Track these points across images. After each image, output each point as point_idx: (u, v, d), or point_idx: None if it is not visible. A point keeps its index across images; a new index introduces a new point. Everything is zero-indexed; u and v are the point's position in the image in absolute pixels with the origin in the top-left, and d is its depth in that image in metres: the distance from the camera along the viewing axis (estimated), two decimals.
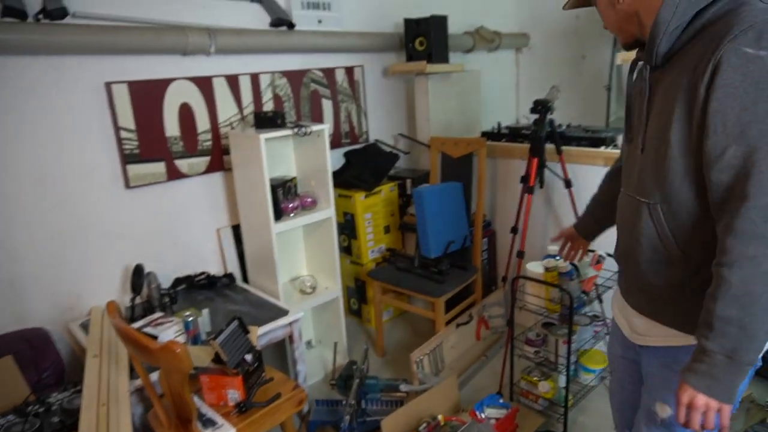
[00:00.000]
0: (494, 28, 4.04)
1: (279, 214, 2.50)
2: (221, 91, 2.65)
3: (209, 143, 2.64)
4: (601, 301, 2.54)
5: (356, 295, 3.29)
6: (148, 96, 2.39)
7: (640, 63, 1.21)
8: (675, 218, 1.14)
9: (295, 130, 2.40)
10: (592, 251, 2.28)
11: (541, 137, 2.37)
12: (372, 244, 3.14)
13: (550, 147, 2.53)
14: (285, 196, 2.58)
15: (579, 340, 2.33)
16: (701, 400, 1.02)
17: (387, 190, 3.14)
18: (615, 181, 1.49)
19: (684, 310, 1.18)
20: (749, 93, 0.95)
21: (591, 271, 2.20)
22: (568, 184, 2.54)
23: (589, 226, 1.73)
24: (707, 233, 1.09)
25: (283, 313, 2.31)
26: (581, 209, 2.64)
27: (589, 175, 2.65)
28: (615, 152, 2.58)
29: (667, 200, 1.14)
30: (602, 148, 2.65)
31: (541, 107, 2.38)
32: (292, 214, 2.57)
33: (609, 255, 2.29)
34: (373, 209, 3.08)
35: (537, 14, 4.24)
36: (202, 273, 2.64)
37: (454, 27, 3.67)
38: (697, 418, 1.04)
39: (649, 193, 1.17)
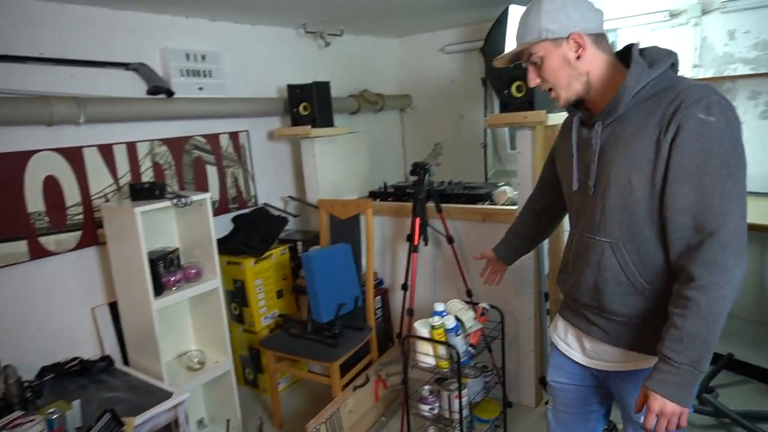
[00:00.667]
0: (377, 90, 4.25)
1: (160, 288, 2.37)
2: (93, 161, 2.51)
3: (80, 217, 2.48)
4: (490, 351, 2.65)
5: (251, 364, 3.16)
6: (3, 170, 2.21)
7: (577, 118, 1.39)
8: (638, 253, 1.30)
9: (175, 201, 2.32)
10: (476, 304, 2.39)
11: (421, 198, 2.49)
12: (265, 311, 3.05)
13: (432, 206, 2.66)
14: (166, 268, 2.46)
15: (471, 393, 2.39)
16: (670, 407, 1.17)
17: (278, 254, 3.10)
18: (539, 219, 1.80)
19: (646, 336, 1.33)
20: (705, 149, 1.16)
21: (476, 324, 2.29)
22: (450, 240, 2.67)
23: (509, 253, 1.93)
24: (667, 264, 1.27)
25: (167, 395, 2.16)
26: (465, 263, 2.80)
27: (469, 230, 2.80)
28: (491, 208, 2.75)
29: (630, 239, 1.30)
30: (479, 204, 2.82)
31: (420, 169, 2.51)
32: (174, 288, 2.45)
33: (492, 307, 2.42)
34: (264, 275, 3.02)
35: (416, 77, 4.53)
36: (75, 358, 2.41)
37: (338, 90, 3.81)
38: (665, 424, 1.19)
39: (611, 233, 1.32)
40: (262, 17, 3.16)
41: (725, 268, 1.15)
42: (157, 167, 2.79)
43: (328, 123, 3.27)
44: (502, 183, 3.04)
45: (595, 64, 1.29)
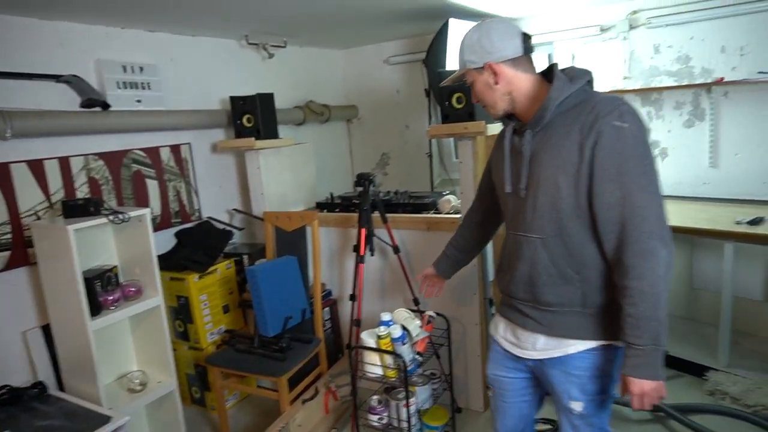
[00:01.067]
0: (324, 101, 4.26)
1: (97, 308, 2.28)
2: (22, 178, 2.40)
3: (8, 236, 2.36)
4: (438, 358, 2.68)
5: (198, 382, 3.08)
6: None
7: (510, 128, 1.55)
8: (566, 246, 1.44)
9: (111, 217, 2.25)
10: (422, 312, 2.42)
11: (366, 209, 2.51)
12: (211, 327, 2.99)
13: (378, 216, 2.68)
14: (104, 287, 2.37)
15: (420, 400, 2.42)
16: (648, 385, 1.32)
17: (223, 269, 3.04)
18: (478, 230, 1.93)
19: (577, 322, 1.46)
20: (621, 153, 1.31)
21: (423, 333, 2.32)
22: (396, 250, 2.70)
23: (447, 268, 2.05)
24: (592, 255, 1.42)
25: (105, 420, 2.07)
26: (411, 272, 2.83)
27: (415, 239, 2.84)
28: (436, 216, 2.80)
29: (558, 234, 1.44)
30: (425, 214, 2.87)
31: (364, 180, 2.53)
32: (113, 307, 2.36)
33: (439, 314, 2.46)
34: (209, 290, 2.95)
35: (362, 88, 4.56)
36: (4, 386, 2.27)
37: (283, 102, 3.80)
38: (649, 400, 1.34)
39: (541, 230, 1.46)
40: (201, 28, 3.12)
41: (655, 252, 1.30)
42: (93, 182, 2.69)
43: (273, 135, 3.25)
44: (447, 192, 3.10)
45: (516, 84, 1.46)
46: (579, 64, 3.62)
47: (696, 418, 2.54)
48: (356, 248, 2.57)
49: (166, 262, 2.90)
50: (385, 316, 2.25)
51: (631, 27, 3.42)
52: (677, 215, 3.03)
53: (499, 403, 1.77)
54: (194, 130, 3.25)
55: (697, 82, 3.24)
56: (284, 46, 3.75)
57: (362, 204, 2.51)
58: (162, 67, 3.04)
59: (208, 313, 2.97)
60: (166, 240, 3.05)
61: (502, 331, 1.69)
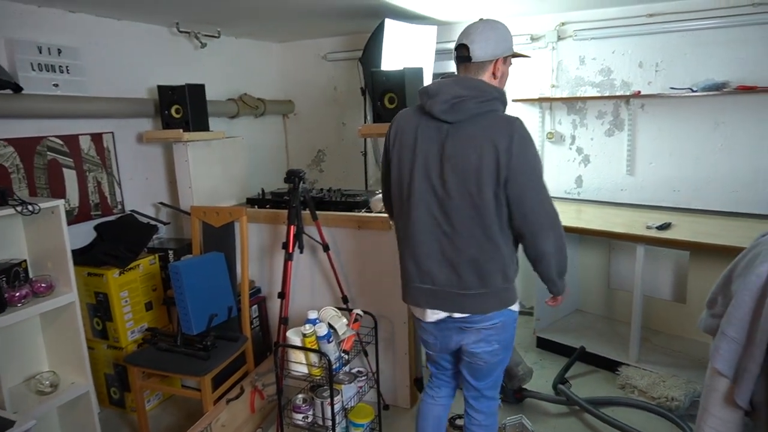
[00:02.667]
0: (259, 94, 4.17)
1: (2, 305, 2.13)
2: None
3: None
4: (366, 355, 2.70)
5: (117, 382, 2.94)
6: None
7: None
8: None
9: (19, 208, 2.11)
10: (351, 310, 2.42)
11: (295, 206, 2.48)
12: (131, 324, 2.86)
13: (308, 213, 2.66)
14: (10, 283, 2.22)
15: (345, 398, 2.42)
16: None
17: (146, 264, 2.92)
18: None
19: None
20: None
21: (349, 331, 2.32)
22: (326, 248, 2.69)
23: None
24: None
25: (8, 425, 1.94)
26: (341, 270, 2.83)
27: (346, 237, 2.84)
28: (367, 215, 2.81)
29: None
30: (356, 212, 2.87)
31: (294, 177, 2.50)
32: (20, 304, 2.21)
33: (366, 312, 2.47)
34: (130, 286, 2.83)
35: (299, 83, 4.51)
36: None
37: (216, 93, 3.69)
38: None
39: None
40: (128, 12, 2.98)
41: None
42: (1, 170, 2.52)
43: (203, 127, 3.16)
44: (380, 191, 3.11)
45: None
46: (511, 71, 3.75)
47: (608, 411, 2.69)
48: (285, 245, 2.54)
49: (84, 256, 2.76)
50: (312, 315, 2.24)
51: (560, 38, 3.57)
52: (598, 219, 3.20)
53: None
54: (118, 119, 3.10)
55: (618, 93, 3.43)
56: (218, 36, 3.64)
57: (292, 201, 2.48)
58: (84, 50, 2.88)
59: (129, 310, 2.84)
60: (85, 233, 2.89)
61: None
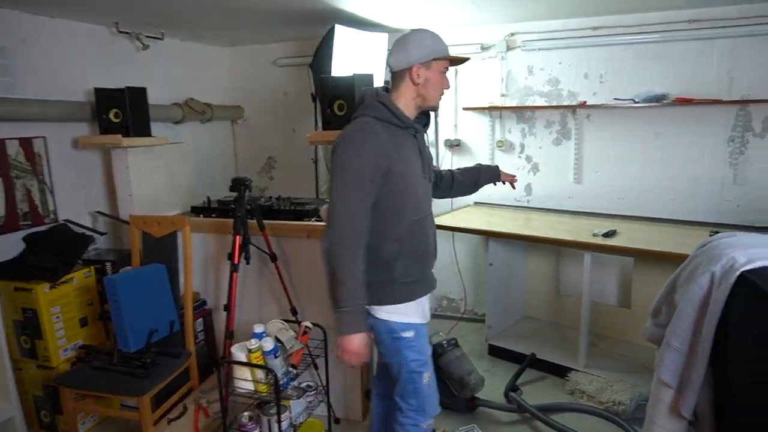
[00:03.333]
0: (206, 99, 4.04)
1: None
2: None
3: None
4: (316, 368, 2.62)
5: (48, 404, 2.74)
6: None
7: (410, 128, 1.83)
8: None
9: None
10: (299, 322, 2.35)
11: (241, 215, 2.39)
12: (64, 342, 2.68)
13: (255, 222, 2.57)
14: None
15: (294, 414, 2.33)
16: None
17: (81, 277, 2.74)
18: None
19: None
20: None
21: (297, 344, 2.25)
22: (273, 258, 2.60)
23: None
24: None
25: None
26: (290, 281, 2.75)
27: (295, 246, 2.76)
28: (316, 224, 2.74)
29: None
30: (305, 221, 2.80)
31: (240, 185, 2.41)
32: None
33: (315, 324, 2.40)
34: (62, 301, 2.65)
35: (249, 88, 4.40)
36: None
37: (160, 98, 3.55)
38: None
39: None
40: (61, 10, 2.81)
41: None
42: None
43: (145, 132, 3.02)
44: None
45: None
46: (462, 79, 3.78)
47: (558, 417, 2.71)
48: (231, 256, 2.44)
49: (11, 270, 2.57)
50: (258, 328, 2.15)
51: (509, 48, 3.62)
52: (546, 227, 3.24)
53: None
54: (51, 123, 2.91)
55: (565, 103, 3.51)
56: (161, 39, 3.50)
57: (237, 210, 2.39)
58: (12, 49, 2.70)
59: (62, 327, 2.66)
60: (12, 245, 2.69)
61: (422, 308, 1.90)
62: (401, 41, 1.77)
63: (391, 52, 1.78)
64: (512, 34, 3.59)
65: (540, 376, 3.22)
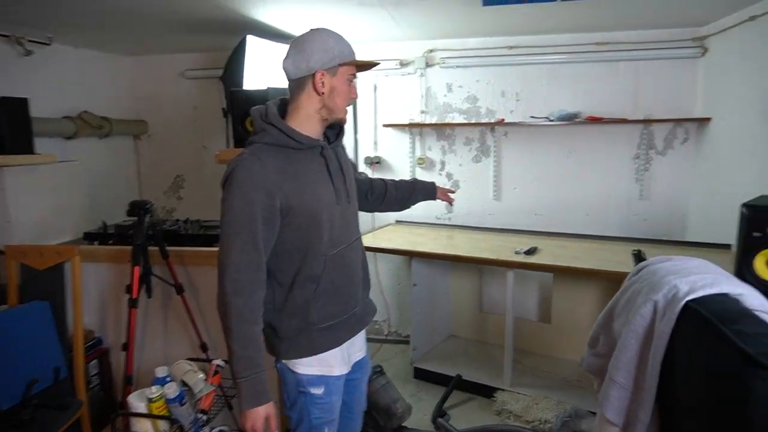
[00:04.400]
0: (103, 113, 3.68)
1: None
2: None
3: None
4: (231, 408, 2.39)
5: None
6: None
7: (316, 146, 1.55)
8: None
9: None
10: (210, 360, 2.11)
11: (140, 243, 2.13)
12: None
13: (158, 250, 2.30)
14: None
15: None
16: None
17: None
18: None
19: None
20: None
21: (207, 387, 2.01)
22: (179, 289, 2.35)
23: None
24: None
25: None
26: (199, 314, 2.50)
27: (205, 275, 2.51)
28: None
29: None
30: (216, 246, 2.56)
31: (139, 209, 2.15)
32: None
33: (227, 362, 2.17)
34: None
35: (154, 101, 4.08)
36: None
37: (48, 110, 3.18)
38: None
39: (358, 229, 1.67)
40: None
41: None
42: None
43: (26, 149, 2.66)
44: None
45: None
46: (381, 96, 3.71)
47: None
48: (129, 290, 2.16)
49: None
50: (160, 373, 1.90)
51: (428, 64, 3.59)
52: (467, 244, 3.21)
53: None
54: None
55: (483, 121, 3.52)
56: (48, 44, 3.13)
57: (136, 238, 2.13)
58: None
59: None
60: None
61: (340, 357, 1.62)
62: (300, 43, 1.47)
63: (287, 56, 1.49)
64: (431, 51, 3.56)
65: (467, 398, 3.15)
